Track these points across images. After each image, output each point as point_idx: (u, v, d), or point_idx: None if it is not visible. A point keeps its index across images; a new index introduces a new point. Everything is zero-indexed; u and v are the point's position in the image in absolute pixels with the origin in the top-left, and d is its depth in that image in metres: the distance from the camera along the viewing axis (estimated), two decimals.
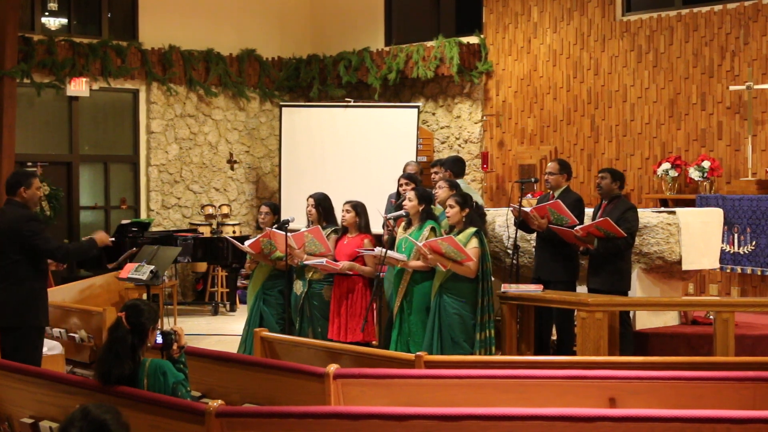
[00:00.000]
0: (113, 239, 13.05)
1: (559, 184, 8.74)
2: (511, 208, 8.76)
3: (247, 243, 8.85)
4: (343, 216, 8.60)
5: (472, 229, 7.82)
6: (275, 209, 9.17)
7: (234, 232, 14.20)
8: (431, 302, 7.90)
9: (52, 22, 14.09)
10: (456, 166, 9.72)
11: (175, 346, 5.27)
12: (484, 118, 14.44)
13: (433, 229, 8.07)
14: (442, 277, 7.79)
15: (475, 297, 7.75)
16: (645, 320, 9.01)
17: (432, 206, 8.40)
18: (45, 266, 7.26)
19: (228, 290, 13.98)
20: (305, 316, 8.64)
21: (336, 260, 8.46)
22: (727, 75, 12.05)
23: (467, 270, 7.68)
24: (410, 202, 8.16)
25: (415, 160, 12.64)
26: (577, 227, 8.25)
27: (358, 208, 8.59)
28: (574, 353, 8.16)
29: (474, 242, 7.74)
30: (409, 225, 8.29)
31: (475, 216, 7.97)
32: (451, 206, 7.92)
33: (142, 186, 14.83)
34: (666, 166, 12.22)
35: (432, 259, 7.72)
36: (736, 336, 7.74)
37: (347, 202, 8.64)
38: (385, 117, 14.52)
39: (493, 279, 7.97)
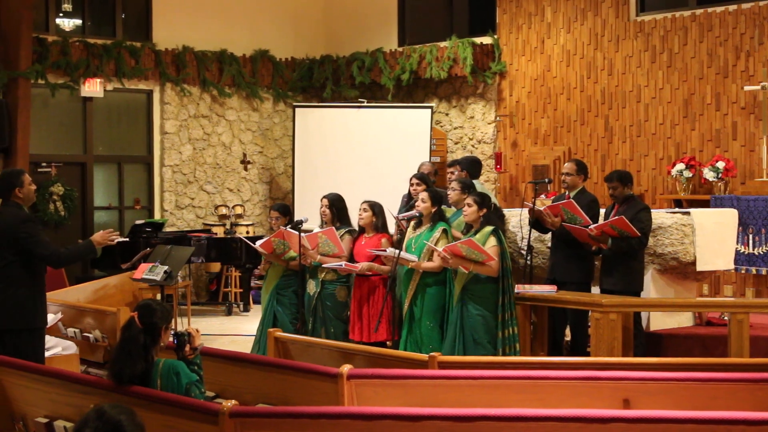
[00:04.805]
0: (126, 240, 13.09)
1: (575, 185, 8.72)
2: (527, 208, 8.74)
3: (258, 243, 8.84)
4: (360, 215, 8.59)
5: (490, 228, 7.80)
6: (285, 211, 9.11)
7: (247, 232, 14.22)
8: (453, 308, 7.88)
9: (67, 23, 14.13)
10: (473, 167, 9.71)
11: (187, 347, 5.26)
12: (498, 118, 14.43)
13: (444, 231, 8.05)
14: (464, 280, 7.77)
15: (496, 296, 7.74)
16: (659, 321, 8.99)
17: (445, 207, 8.39)
18: (42, 267, 7.11)
19: (241, 290, 14.01)
20: (318, 317, 8.63)
21: (353, 261, 8.46)
22: (742, 75, 12.01)
23: (489, 270, 7.67)
24: (423, 203, 8.14)
25: (428, 160, 12.62)
26: (592, 226, 8.23)
27: (376, 208, 8.58)
28: (587, 354, 8.14)
29: (492, 241, 7.73)
30: (418, 225, 8.27)
31: (493, 216, 7.95)
32: (469, 205, 7.90)
33: (156, 186, 14.87)
34: (680, 166, 12.19)
35: (453, 263, 7.71)
36: (751, 337, 7.70)
37: (365, 202, 8.64)
38: (399, 117, 14.53)
39: None
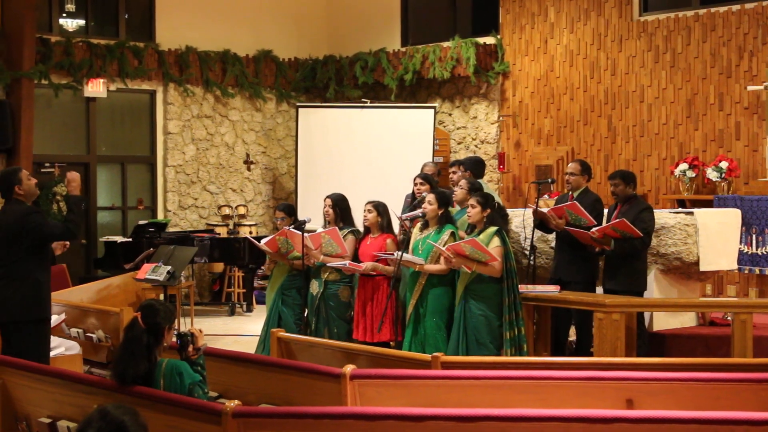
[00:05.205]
0: (130, 239, 13.10)
1: (579, 185, 8.72)
2: (531, 209, 8.73)
3: (263, 242, 8.85)
4: (365, 216, 8.59)
5: (494, 228, 7.78)
6: (290, 211, 9.12)
7: (250, 232, 14.22)
8: (456, 307, 7.87)
9: (70, 24, 14.15)
10: (476, 167, 9.71)
11: (190, 348, 5.27)
12: (501, 118, 14.43)
13: (452, 234, 8.03)
14: (467, 280, 7.75)
15: (500, 297, 7.72)
16: (662, 321, 8.98)
17: (450, 208, 8.38)
18: (48, 258, 7.26)
19: (244, 291, 14.01)
20: (321, 317, 8.64)
21: (359, 261, 8.46)
22: (745, 75, 12.00)
23: (492, 270, 7.65)
24: (430, 205, 8.10)
25: (431, 160, 12.63)
26: (594, 228, 8.22)
27: (380, 208, 8.58)
28: (592, 354, 8.14)
29: (496, 241, 7.71)
30: (425, 226, 8.26)
31: (496, 216, 7.94)
32: (472, 206, 7.88)
33: (159, 187, 14.88)
34: (683, 166, 12.18)
35: (456, 262, 7.70)
36: (754, 337, 7.69)
37: (369, 203, 8.63)
38: (402, 118, 14.52)
39: None
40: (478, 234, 7.81)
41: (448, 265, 7.79)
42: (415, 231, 8.34)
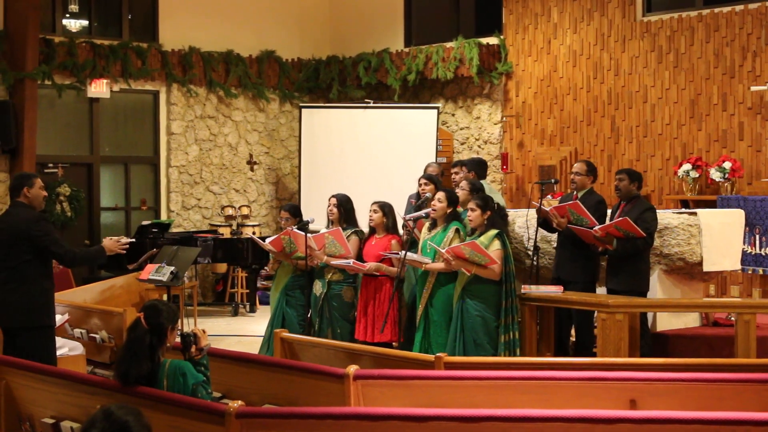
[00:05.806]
0: (133, 240, 13.08)
1: (584, 185, 8.71)
2: (534, 208, 8.73)
3: (268, 241, 8.86)
4: (370, 216, 8.59)
5: (494, 231, 7.78)
6: (295, 212, 9.09)
7: (254, 233, 14.21)
8: (454, 306, 7.88)
9: (73, 24, 14.16)
10: (479, 168, 9.71)
11: (193, 348, 5.27)
12: (504, 119, 14.42)
13: (457, 231, 8.03)
14: (465, 281, 7.76)
15: (498, 299, 7.72)
16: (666, 322, 8.98)
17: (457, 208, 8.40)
18: (51, 265, 7.20)
19: (248, 291, 14.01)
20: (324, 317, 8.64)
21: (363, 261, 8.46)
22: (749, 75, 11.99)
23: (491, 273, 7.65)
24: (440, 203, 8.10)
25: (435, 161, 12.62)
26: (596, 227, 8.22)
27: (386, 209, 8.58)
28: (593, 354, 8.13)
29: (496, 244, 7.71)
30: (433, 225, 8.26)
31: (496, 218, 7.93)
32: (472, 210, 7.89)
33: (163, 187, 14.89)
34: (687, 167, 12.17)
35: (456, 264, 7.70)
36: (758, 338, 7.69)
37: (375, 203, 8.64)
38: (405, 118, 14.52)
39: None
40: (479, 236, 7.81)
41: (447, 267, 7.79)
42: (424, 231, 8.34)
